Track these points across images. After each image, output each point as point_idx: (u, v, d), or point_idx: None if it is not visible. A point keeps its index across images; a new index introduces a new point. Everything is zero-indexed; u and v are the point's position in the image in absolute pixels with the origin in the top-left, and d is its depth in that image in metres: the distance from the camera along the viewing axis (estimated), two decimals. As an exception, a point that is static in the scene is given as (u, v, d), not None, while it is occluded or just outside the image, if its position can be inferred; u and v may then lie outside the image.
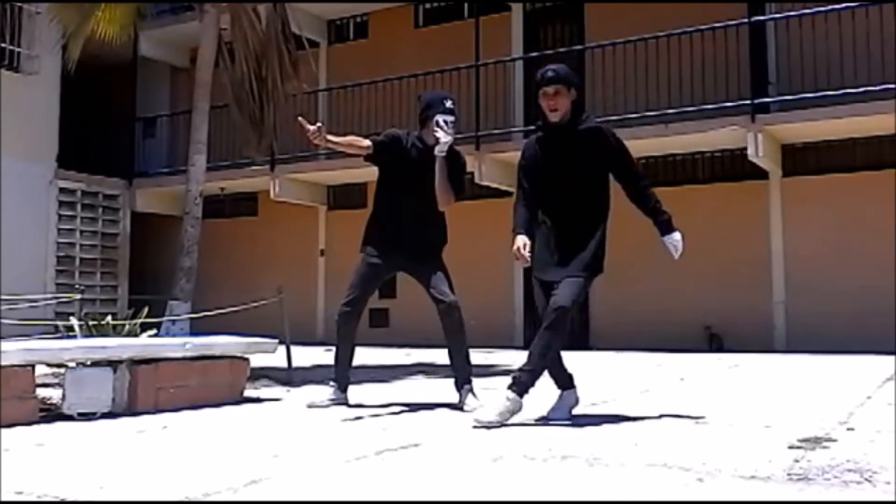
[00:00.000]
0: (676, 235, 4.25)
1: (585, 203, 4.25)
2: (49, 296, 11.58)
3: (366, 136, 5.02)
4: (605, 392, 5.46)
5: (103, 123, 15.00)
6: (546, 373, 4.21)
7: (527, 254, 4.15)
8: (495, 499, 2.63)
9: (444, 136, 4.77)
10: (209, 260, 11.54)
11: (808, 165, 11.19)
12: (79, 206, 14.35)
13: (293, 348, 7.24)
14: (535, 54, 12.81)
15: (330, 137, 4.65)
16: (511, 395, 4.06)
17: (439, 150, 4.81)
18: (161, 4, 14.97)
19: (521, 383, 4.08)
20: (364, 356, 5.81)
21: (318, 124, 4.58)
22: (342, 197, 14.55)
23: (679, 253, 4.25)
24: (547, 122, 4.29)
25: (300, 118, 4.72)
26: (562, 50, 12.46)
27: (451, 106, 4.88)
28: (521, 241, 4.19)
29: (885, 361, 8.08)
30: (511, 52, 13.24)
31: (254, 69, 8.70)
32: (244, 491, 2.70)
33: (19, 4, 13.27)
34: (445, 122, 4.79)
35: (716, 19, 10.46)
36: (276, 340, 6.04)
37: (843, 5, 9.97)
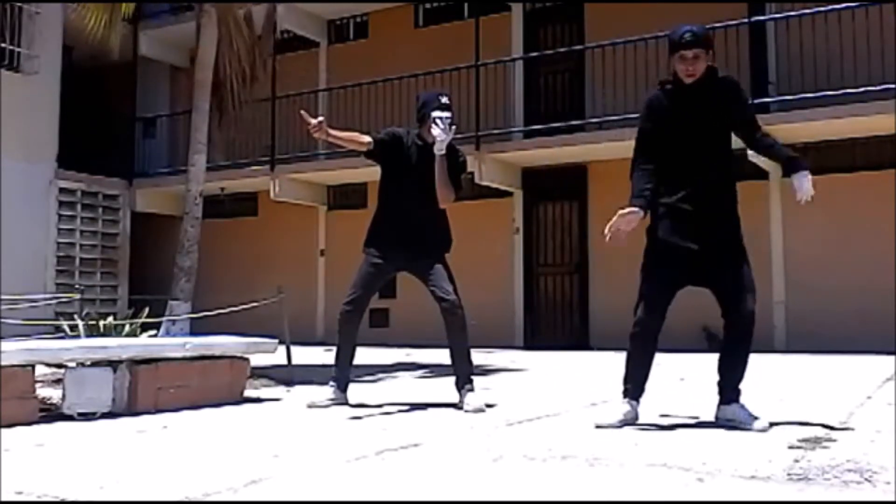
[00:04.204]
0: (805, 174, 3.95)
1: (720, 167, 4.09)
2: (49, 296, 11.58)
3: (366, 135, 5.03)
4: (605, 392, 5.45)
5: (103, 123, 15.00)
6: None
7: (625, 233, 3.92)
8: (495, 499, 2.63)
9: (439, 134, 4.77)
10: (209, 260, 11.53)
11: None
12: (79, 206, 14.33)
13: (293, 348, 7.24)
14: (535, 54, 12.82)
15: (331, 132, 4.65)
16: (738, 406, 4.03)
17: (438, 149, 4.82)
18: (161, 4, 14.97)
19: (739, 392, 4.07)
20: (364, 356, 5.81)
21: (320, 118, 4.59)
22: (342, 197, 14.54)
23: (805, 195, 3.94)
24: (680, 83, 4.06)
25: (302, 112, 4.72)
26: (562, 50, 12.47)
27: (447, 102, 4.88)
28: (636, 216, 3.92)
29: (885, 361, 8.08)
30: (511, 52, 13.23)
31: (236, 72, 8.75)
32: (244, 491, 2.70)
33: (19, 4, 13.27)
34: (441, 118, 4.79)
35: (716, 19, 10.44)
36: (276, 340, 6.04)
37: (843, 5, 9.96)
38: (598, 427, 4.01)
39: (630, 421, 4.04)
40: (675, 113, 4.07)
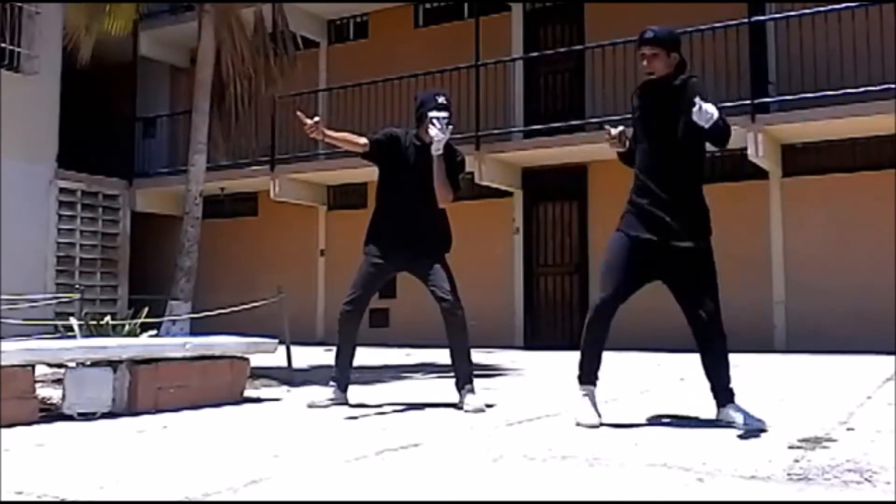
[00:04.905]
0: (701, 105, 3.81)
1: (681, 161, 4.07)
2: (49, 296, 11.57)
3: (365, 135, 5.03)
4: (605, 392, 5.44)
5: (103, 123, 14.99)
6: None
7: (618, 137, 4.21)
8: (495, 499, 2.63)
9: (437, 134, 4.77)
10: (209, 260, 11.53)
11: (808, 165, 11.17)
12: (79, 206, 14.32)
13: (293, 348, 7.24)
14: (535, 54, 12.82)
15: (327, 132, 4.66)
16: (736, 406, 4.07)
17: (435, 149, 4.82)
18: (161, 4, 14.97)
19: (732, 392, 4.11)
20: (364, 356, 5.81)
21: (316, 118, 4.59)
22: (342, 197, 14.54)
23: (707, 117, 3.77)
24: (647, 81, 4.19)
25: (298, 112, 4.73)
26: (562, 50, 12.47)
27: (444, 101, 4.88)
28: (619, 136, 4.22)
29: (885, 361, 8.08)
30: (511, 52, 13.23)
31: (239, 72, 8.75)
32: (244, 491, 2.70)
33: (19, 4, 13.27)
34: (438, 118, 4.79)
35: (716, 19, 10.45)
36: (276, 340, 6.04)
37: (843, 5, 9.96)
38: (577, 425, 4.06)
39: (594, 402, 4.10)
40: (640, 111, 4.20)
